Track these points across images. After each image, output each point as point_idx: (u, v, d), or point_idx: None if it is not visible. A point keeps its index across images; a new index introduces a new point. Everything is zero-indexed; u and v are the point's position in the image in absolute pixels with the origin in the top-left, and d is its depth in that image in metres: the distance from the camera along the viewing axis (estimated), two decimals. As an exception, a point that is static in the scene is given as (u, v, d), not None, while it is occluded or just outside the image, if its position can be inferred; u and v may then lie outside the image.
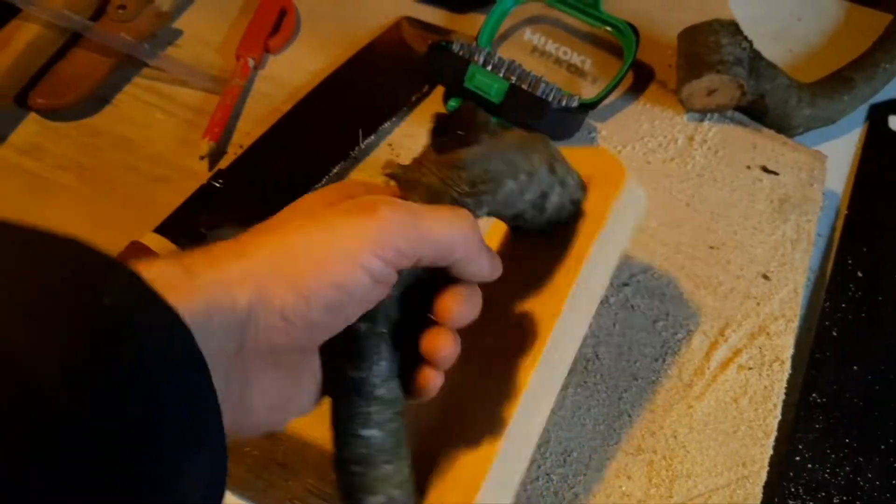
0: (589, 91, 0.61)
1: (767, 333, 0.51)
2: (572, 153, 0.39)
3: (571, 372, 0.49)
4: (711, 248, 0.54)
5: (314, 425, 0.35)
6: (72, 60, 0.59)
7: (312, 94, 0.60)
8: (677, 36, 0.60)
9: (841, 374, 0.51)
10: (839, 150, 0.61)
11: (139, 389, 0.22)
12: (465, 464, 0.36)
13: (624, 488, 0.46)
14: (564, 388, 0.48)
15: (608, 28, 0.63)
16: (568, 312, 0.37)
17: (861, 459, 0.48)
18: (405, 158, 0.46)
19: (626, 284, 0.52)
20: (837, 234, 0.58)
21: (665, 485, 0.46)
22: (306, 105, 0.60)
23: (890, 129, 0.63)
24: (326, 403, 0.34)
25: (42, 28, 0.59)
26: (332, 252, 0.29)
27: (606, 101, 0.60)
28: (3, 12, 0.59)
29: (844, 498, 0.47)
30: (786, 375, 0.49)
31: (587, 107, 0.57)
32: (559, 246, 0.39)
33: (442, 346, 0.33)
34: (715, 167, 0.58)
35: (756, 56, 0.58)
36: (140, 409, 0.21)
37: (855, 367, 0.52)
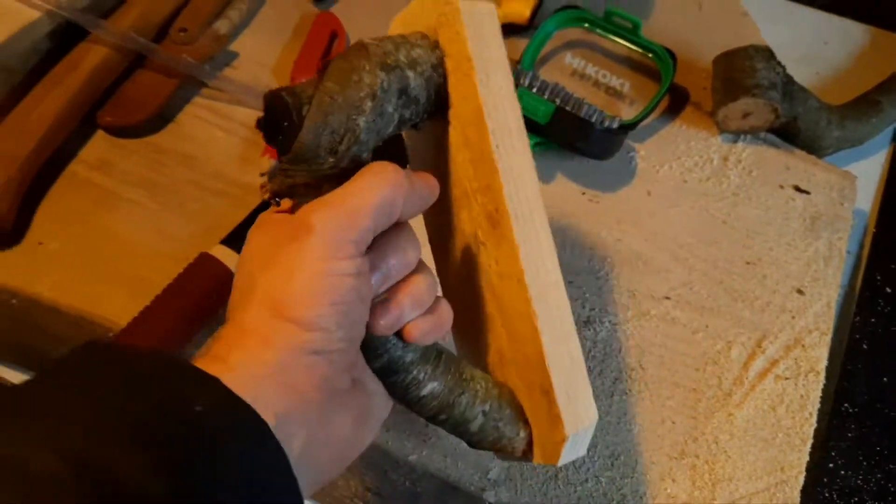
0: (627, 113, 0.64)
1: (803, 346, 0.53)
2: (401, 18, 0.38)
3: (616, 380, 0.52)
4: (748, 263, 0.57)
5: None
6: (137, 81, 0.63)
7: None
8: (713, 60, 0.63)
9: (872, 385, 0.54)
10: (867, 171, 0.64)
11: (231, 493, 0.25)
12: (517, 346, 0.37)
13: (669, 490, 0.48)
14: (610, 395, 0.51)
15: (646, 52, 0.65)
16: (499, 149, 0.35)
17: (893, 467, 0.51)
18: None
19: (667, 297, 0.55)
20: (866, 252, 0.60)
21: (708, 488, 0.48)
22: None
23: (916, 151, 0.65)
24: None
25: (109, 50, 0.62)
26: (307, 278, 0.30)
27: (644, 123, 0.62)
28: (74, 35, 0.62)
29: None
30: (820, 385, 0.52)
31: (627, 128, 0.60)
32: (453, 106, 0.36)
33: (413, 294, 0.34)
34: (749, 186, 0.60)
35: (789, 80, 0.60)
36: None
37: (885, 379, 0.54)
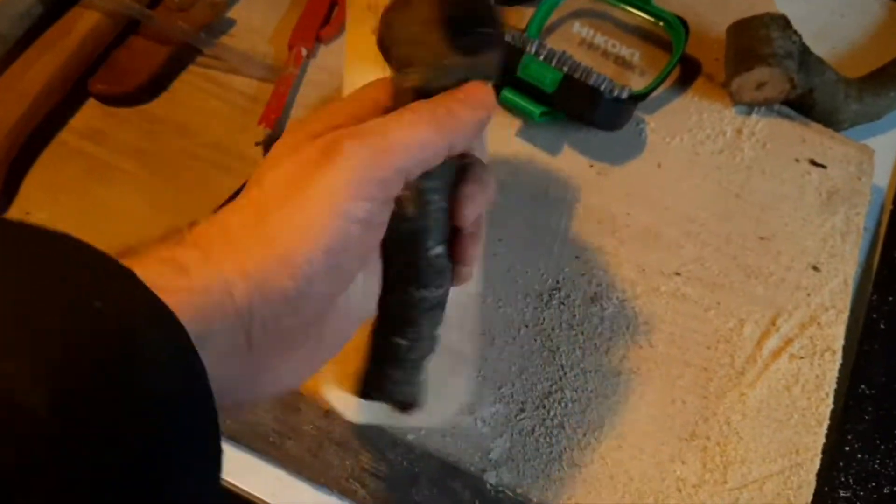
0: (637, 83, 0.62)
1: (818, 324, 0.51)
2: None
3: (624, 358, 0.50)
4: (762, 238, 0.55)
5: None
6: (130, 48, 0.60)
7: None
8: (727, 29, 0.60)
9: (890, 366, 0.52)
10: (884, 146, 0.61)
11: (137, 408, 0.20)
12: None
13: (679, 472, 0.46)
14: (617, 374, 0.49)
15: (657, 21, 0.63)
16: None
17: (911, 450, 0.49)
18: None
19: (677, 273, 0.53)
20: (883, 229, 0.58)
21: (719, 470, 0.46)
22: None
23: (935, 126, 0.63)
24: None
25: (102, 16, 0.60)
26: (313, 214, 0.27)
27: (654, 94, 0.60)
28: (66, 0, 0.60)
29: (895, 488, 0.48)
30: (837, 365, 0.50)
31: (637, 98, 0.57)
32: None
33: (470, 254, 0.34)
34: (764, 160, 0.58)
35: (805, 50, 0.58)
36: (139, 440, 0.20)
37: (903, 359, 0.52)
